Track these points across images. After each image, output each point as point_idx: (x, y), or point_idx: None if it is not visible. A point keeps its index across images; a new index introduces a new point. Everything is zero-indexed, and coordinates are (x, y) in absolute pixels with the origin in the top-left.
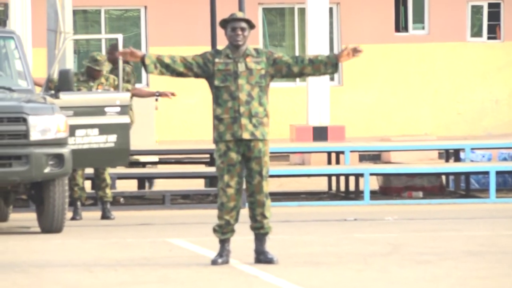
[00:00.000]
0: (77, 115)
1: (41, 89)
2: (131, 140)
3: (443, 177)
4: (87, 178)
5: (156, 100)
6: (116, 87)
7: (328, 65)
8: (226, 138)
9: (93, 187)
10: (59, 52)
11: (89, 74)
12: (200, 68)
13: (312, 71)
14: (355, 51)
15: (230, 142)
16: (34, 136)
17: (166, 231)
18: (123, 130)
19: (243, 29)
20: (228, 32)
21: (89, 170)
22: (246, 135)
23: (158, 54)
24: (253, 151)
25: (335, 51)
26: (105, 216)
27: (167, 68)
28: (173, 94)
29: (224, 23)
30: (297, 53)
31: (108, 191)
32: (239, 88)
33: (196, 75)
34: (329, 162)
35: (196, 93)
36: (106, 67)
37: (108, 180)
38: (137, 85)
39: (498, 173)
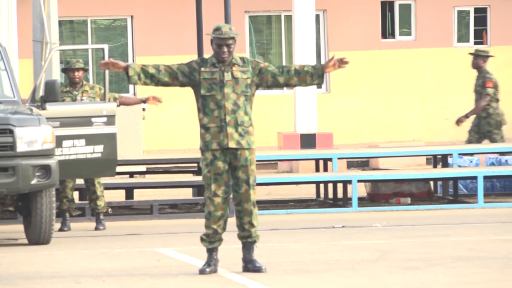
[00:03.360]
0: (64, 126)
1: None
2: (119, 150)
3: (431, 182)
4: (76, 189)
5: (144, 109)
6: (102, 97)
7: (314, 76)
8: (212, 147)
9: (81, 198)
10: (45, 62)
11: (70, 81)
12: (186, 77)
13: (298, 82)
14: (342, 62)
15: (216, 151)
16: (21, 147)
17: (154, 241)
18: (110, 140)
19: (228, 46)
20: (214, 46)
21: (79, 181)
22: (232, 144)
23: (142, 64)
24: (239, 160)
25: (322, 58)
26: (96, 227)
27: (152, 78)
28: (159, 101)
29: (211, 35)
30: (284, 61)
31: (100, 202)
32: (225, 97)
33: (182, 84)
34: (317, 170)
35: (183, 102)
36: (81, 63)
37: (99, 192)
38: (124, 94)
39: (486, 178)
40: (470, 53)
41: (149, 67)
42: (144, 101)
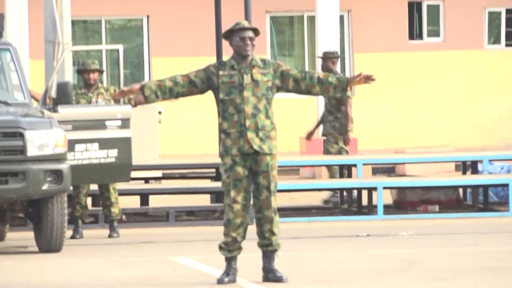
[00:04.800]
0: (76, 129)
1: (38, 103)
2: (133, 155)
3: (460, 190)
4: (89, 195)
5: (160, 112)
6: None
7: (338, 88)
8: (232, 153)
9: (94, 204)
10: (58, 63)
11: (85, 83)
12: (204, 83)
13: (320, 91)
14: (368, 78)
15: (236, 156)
16: (31, 151)
17: (170, 249)
18: (124, 145)
19: (251, 39)
20: (235, 42)
21: (93, 187)
22: (252, 149)
23: (158, 80)
24: (260, 165)
25: (347, 61)
26: (110, 234)
27: (170, 93)
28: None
29: (229, 33)
30: (306, 63)
31: (114, 209)
32: (245, 101)
33: (202, 91)
34: (341, 176)
35: (202, 104)
36: (97, 65)
37: (113, 199)
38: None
39: None
40: (319, 57)
41: (166, 81)
42: None
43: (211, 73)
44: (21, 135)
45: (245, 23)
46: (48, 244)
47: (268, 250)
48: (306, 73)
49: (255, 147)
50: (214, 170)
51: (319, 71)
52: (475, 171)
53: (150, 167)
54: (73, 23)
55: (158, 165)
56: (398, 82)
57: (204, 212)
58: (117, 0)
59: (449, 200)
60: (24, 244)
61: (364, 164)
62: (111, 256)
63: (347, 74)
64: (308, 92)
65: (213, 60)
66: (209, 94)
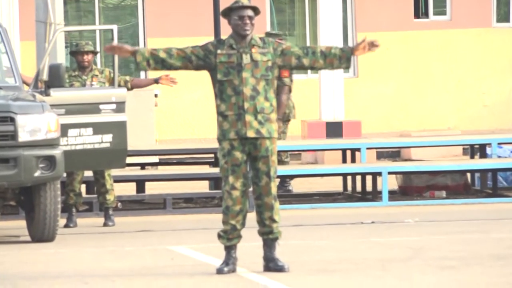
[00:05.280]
0: (70, 114)
1: (29, 87)
2: (129, 140)
3: (468, 174)
4: (83, 182)
5: (156, 95)
6: (111, 81)
7: (343, 59)
8: (230, 137)
9: (88, 191)
10: (49, 45)
11: (79, 65)
12: (201, 60)
13: (325, 65)
14: (372, 45)
15: (234, 141)
16: (23, 137)
17: (167, 238)
18: (119, 129)
19: (250, 17)
20: (233, 20)
21: (87, 173)
22: (251, 133)
23: (152, 48)
24: (259, 150)
25: (350, 40)
26: (105, 223)
27: (163, 63)
28: (173, 81)
29: (228, 11)
30: (308, 43)
31: (110, 196)
32: (243, 82)
33: (197, 68)
34: (344, 161)
35: (200, 87)
36: (91, 46)
37: (108, 185)
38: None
39: None
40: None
41: (160, 51)
42: (157, 80)
43: (209, 51)
44: (12, 120)
45: (245, 1)
46: (41, 233)
47: (268, 238)
48: (307, 48)
49: (250, 133)
50: (212, 155)
51: (321, 45)
52: (483, 155)
53: (146, 152)
54: (65, 2)
55: (155, 150)
56: (403, 63)
57: (202, 199)
58: None
59: (457, 185)
60: (16, 234)
61: (368, 148)
62: (107, 245)
63: None
64: (312, 67)
65: (211, 40)
66: (207, 75)
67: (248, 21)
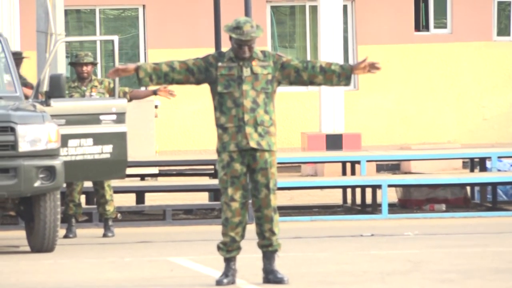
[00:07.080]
0: (70, 124)
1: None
2: (129, 151)
3: (468, 188)
4: (82, 192)
5: (156, 107)
6: (112, 92)
7: (342, 77)
8: (230, 149)
9: (88, 202)
10: (50, 55)
11: (78, 76)
12: (202, 73)
13: (324, 81)
14: (373, 67)
15: (234, 153)
16: (23, 147)
17: (167, 249)
18: (119, 140)
19: (250, 46)
20: (233, 43)
21: (87, 184)
22: (252, 144)
23: (154, 62)
24: (258, 162)
25: (350, 53)
26: (104, 233)
27: (165, 78)
28: (171, 94)
29: (228, 32)
30: (308, 55)
31: (109, 207)
32: (244, 95)
33: (198, 82)
34: (344, 173)
35: (199, 98)
36: (90, 57)
37: (108, 196)
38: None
39: None
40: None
41: (162, 65)
42: (155, 92)
43: (210, 63)
44: (12, 130)
45: (247, 28)
46: (40, 243)
47: (268, 250)
48: (307, 62)
49: (252, 143)
50: (212, 166)
51: (321, 60)
52: (483, 168)
53: (146, 163)
54: (66, 12)
55: (155, 161)
56: (403, 75)
57: (202, 211)
58: None
59: (456, 199)
60: (16, 244)
61: (368, 161)
62: (106, 256)
63: None
64: (311, 82)
65: (211, 52)
66: (207, 87)
67: (246, 50)
